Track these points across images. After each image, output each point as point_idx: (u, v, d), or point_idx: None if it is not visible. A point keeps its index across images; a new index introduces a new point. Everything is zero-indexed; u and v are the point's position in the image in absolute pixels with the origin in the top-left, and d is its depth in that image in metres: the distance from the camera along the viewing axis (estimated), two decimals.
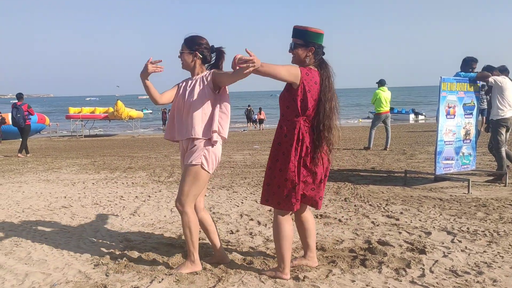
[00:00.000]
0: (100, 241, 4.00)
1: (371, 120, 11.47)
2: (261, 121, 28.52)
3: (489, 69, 6.39)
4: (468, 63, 6.40)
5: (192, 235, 3.09)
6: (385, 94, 11.08)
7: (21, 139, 12.59)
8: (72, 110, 25.28)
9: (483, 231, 3.93)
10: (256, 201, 5.44)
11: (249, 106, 29.40)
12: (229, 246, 3.72)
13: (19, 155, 12.07)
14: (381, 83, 11.21)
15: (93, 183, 7.19)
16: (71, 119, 25.25)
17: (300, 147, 2.84)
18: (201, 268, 3.16)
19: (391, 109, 36.33)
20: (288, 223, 2.94)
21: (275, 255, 3.44)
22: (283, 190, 2.85)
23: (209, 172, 3.09)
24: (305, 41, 2.89)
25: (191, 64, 3.16)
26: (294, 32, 2.93)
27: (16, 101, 12.31)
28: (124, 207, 5.37)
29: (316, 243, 3.69)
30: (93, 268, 3.28)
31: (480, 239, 3.73)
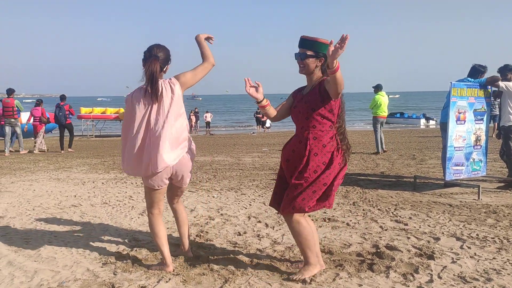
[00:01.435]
0: (109, 240, 4.03)
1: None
2: (263, 123, 28.38)
3: (508, 69, 6.26)
4: (476, 71, 6.33)
5: (154, 238, 3.22)
6: (384, 99, 11.13)
7: (59, 136, 13.95)
8: (84, 110, 25.49)
9: (493, 238, 3.89)
10: (264, 204, 5.44)
11: (258, 108, 29.41)
12: (236, 248, 3.73)
13: (69, 150, 13.42)
14: (378, 88, 11.21)
15: (102, 183, 7.25)
16: (82, 119, 25.46)
17: (339, 155, 2.93)
18: (171, 269, 3.19)
19: (401, 113, 36.05)
20: (307, 219, 3.01)
21: (281, 257, 3.45)
22: (319, 193, 2.89)
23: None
24: (315, 51, 2.90)
25: None
26: (303, 42, 2.93)
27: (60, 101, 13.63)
28: (133, 207, 5.40)
29: (324, 246, 3.69)
30: (101, 267, 3.30)
31: (489, 245, 3.69)
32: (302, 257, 3.43)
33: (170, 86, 3.06)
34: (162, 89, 3.02)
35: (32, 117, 13.70)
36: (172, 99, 3.04)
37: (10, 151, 12.59)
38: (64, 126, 13.44)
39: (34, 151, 13.14)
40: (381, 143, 11.03)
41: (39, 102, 13.78)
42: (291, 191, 2.91)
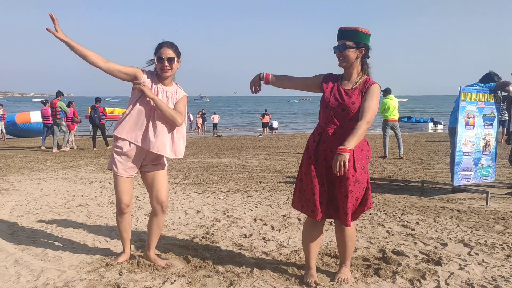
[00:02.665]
0: (115, 240, 4.03)
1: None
2: (265, 125, 27.99)
3: None
4: (490, 79, 6.26)
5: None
6: (393, 103, 11.08)
7: (91, 134, 15.30)
8: None
9: (501, 245, 3.85)
10: (271, 206, 5.43)
11: (265, 111, 29.40)
12: (242, 250, 3.72)
13: (108, 147, 14.29)
14: (387, 91, 11.15)
15: (109, 183, 7.27)
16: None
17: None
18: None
19: (409, 117, 35.81)
20: None
21: (287, 261, 3.44)
22: (364, 195, 2.90)
23: None
24: (356, 42, 2.80)
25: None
26: (343, 33, 2.82)
27: (95, 103, 14.73)
28: (139, 207, 5.41)
29: (330, 250, 3.68)
30: (107, 267, 3.30)
31: (498, 252, 3.65)
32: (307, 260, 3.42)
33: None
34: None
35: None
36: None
37: (46, 147, 13.84)
38: (97, 126, 14.61)
39: (65, 149, 13.80)
40: (398, 147, 10.97)
41: (69, 103, 14.77)
42: (350, 196, 2.79)
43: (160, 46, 3.13)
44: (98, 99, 14.89)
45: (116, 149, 3.17)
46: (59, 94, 13.51)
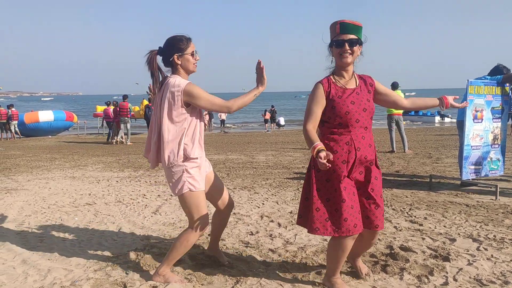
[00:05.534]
0: (122, 238, 4.05)
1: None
2: (267, 121, 27.89)
3: None
4: (498, 71, 6.17)
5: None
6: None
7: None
8: (100, 109, 25.70)
9: (511, 239, 3.80)
10: (277, 203, 5.42)
11: (272, 107, 29.34)
12: (248, 248, 3.71)
13: None
14: (395, 86, 11.05)
15: (117, 181, 7.30)
16: (98, 117, 25.69)
17: None
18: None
19: (416, 111, 35.42)
20: None
21: (294, 258, 3.42)
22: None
23: None
24: (359, 37, 2.64)
25: None
26: (348, 27, 2.59)
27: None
28: (146, 205, 5.43)
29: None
30: (114, 266, 3.31)
31: (507, 247, 3.61)
32: (313, 258, 3.41)
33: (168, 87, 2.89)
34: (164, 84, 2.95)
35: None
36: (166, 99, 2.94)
37: (116, 141, 16.29)
38: None
39: (127, 143, 15.98)
40: (402, 143, 10.90)
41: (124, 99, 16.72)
42: (380, 203, 2.68)
43: (189, 40, 2.90)
44: (151, 99, 16.56)
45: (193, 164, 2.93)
46: (126, 97, 16.29)
